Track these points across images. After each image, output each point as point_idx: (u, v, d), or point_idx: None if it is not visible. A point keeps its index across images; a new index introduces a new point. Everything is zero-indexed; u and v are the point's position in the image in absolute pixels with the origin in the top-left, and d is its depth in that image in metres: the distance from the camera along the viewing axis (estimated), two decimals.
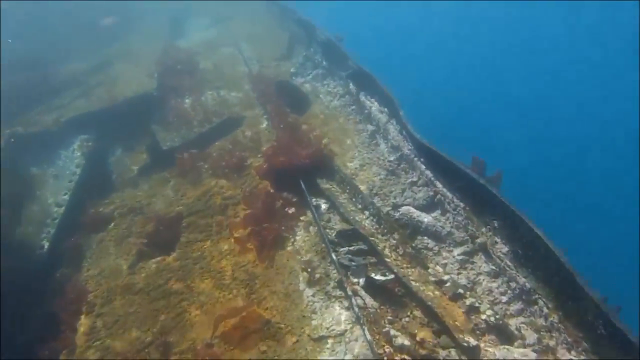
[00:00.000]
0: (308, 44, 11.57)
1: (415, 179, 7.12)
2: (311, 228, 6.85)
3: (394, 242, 6.20)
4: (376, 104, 8.56)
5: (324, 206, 7.07)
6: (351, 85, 9.42)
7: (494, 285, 5.42)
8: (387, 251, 6.08)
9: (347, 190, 7.22)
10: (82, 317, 6.98)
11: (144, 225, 8.07)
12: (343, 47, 9.91)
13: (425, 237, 6.25)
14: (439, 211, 6.50)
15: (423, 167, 6.95)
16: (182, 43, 14.51)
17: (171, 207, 8.24)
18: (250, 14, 16.57)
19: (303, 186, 7.29)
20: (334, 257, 5.99)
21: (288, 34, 12.61)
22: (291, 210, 7.23)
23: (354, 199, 7.06)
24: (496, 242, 5.58)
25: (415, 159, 7.13)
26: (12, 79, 12.13)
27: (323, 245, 6.45)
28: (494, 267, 5.53)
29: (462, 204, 6.12)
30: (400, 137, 7.59)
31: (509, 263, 5.40)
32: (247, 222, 7.15)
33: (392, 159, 7.65)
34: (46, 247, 8.81)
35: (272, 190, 7.62)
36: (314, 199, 7.16)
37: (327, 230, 6.62)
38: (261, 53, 12.67)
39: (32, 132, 10.57)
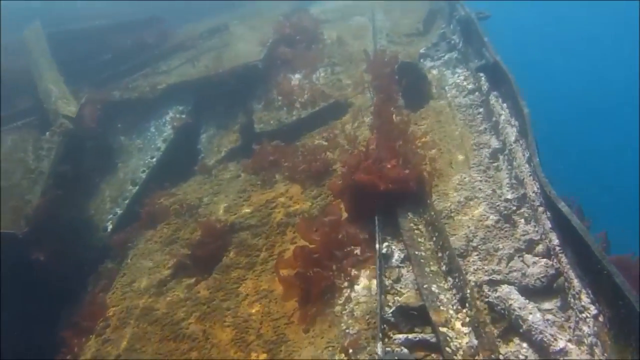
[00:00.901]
0: (449, 19, 9.18)
1: (535, 237, 4.76)
2: (374, 287, 4.86)
3: (475, 342, 4.02)
4: (507, 111, 6.15)
5: (397, 255, 5.01)
6: (483, 80, 7.03)
7: None
8: (459, 355, 3.93)
9: (435, 238, 5.07)
10: (92, 338, 5.77)
11: (193, 232, 6.64)
12: (481, 28, 7.46)
13: (525, 345, 3.95)
14: (556, 304, 4.14)
15: (549, 224, 4.57)
16: (316, 8, 12.72)
17: (228, 214, 6.69)
18: None
19: (377, 223, 5.28)
20: (380, 350, 4.00)
21: (429, 5, 10.21)
22: (357, 251, 5.29)
23: (440, 254, 4.90)
24: None
25: (541, 208, 4.75)
26: (125, 41, 11.33)
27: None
28: None
29: (594, 309, 3.72)
30: (527, 169, 5.20)
31: None
32: (298, 259, 5.34)
33: (510, 196, 5.30)
34: (109, 229, 7.83)
35: (342, 217, 5.72)
36: (386, 243, 5.13)
37: (389, 297, 4.59)
38: (396, 25, 10.48)
39: (126, 99, 9.62)
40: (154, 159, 8.68)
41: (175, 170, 8.49)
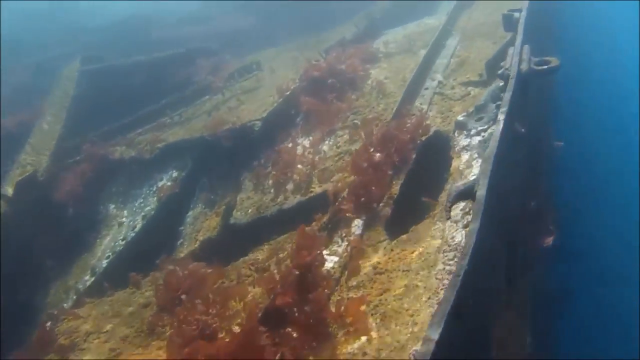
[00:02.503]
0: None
1: None
2: None
3: None
4: None
5: None
6: None
7: None
8: None
9: None
10: None
11: None
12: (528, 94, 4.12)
13: None
14: None
15: None
16: (387, 34, 9.47)
17: None
18: None
19: None
20: None
21: (509, 37, 6.56)
22: None
23: None
24: None
25: None
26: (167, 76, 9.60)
27: None
28: None
29: None
30: None
31: None
32: None
33: None
34: None
35: None
36: None
37: None
38: (467, 61, 7.08)
39: (122, 158, 7.91)
40: (124, 242, 6.81)
41: (146, 258, 6.54)
